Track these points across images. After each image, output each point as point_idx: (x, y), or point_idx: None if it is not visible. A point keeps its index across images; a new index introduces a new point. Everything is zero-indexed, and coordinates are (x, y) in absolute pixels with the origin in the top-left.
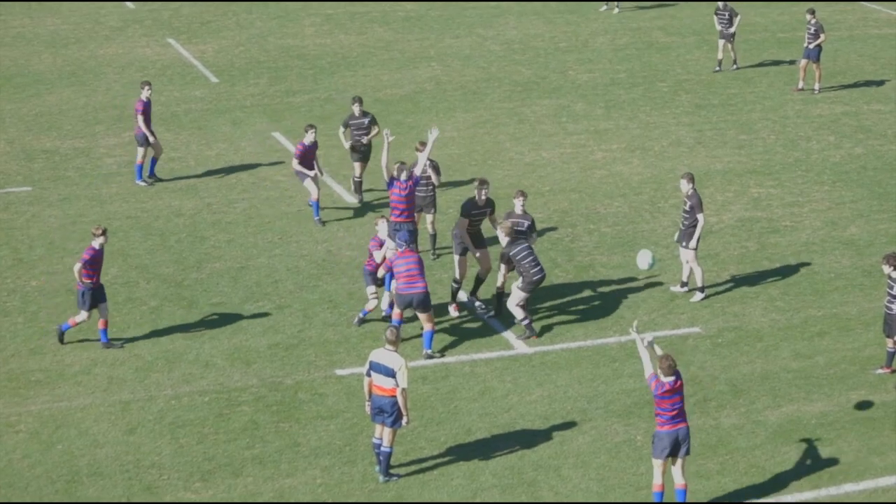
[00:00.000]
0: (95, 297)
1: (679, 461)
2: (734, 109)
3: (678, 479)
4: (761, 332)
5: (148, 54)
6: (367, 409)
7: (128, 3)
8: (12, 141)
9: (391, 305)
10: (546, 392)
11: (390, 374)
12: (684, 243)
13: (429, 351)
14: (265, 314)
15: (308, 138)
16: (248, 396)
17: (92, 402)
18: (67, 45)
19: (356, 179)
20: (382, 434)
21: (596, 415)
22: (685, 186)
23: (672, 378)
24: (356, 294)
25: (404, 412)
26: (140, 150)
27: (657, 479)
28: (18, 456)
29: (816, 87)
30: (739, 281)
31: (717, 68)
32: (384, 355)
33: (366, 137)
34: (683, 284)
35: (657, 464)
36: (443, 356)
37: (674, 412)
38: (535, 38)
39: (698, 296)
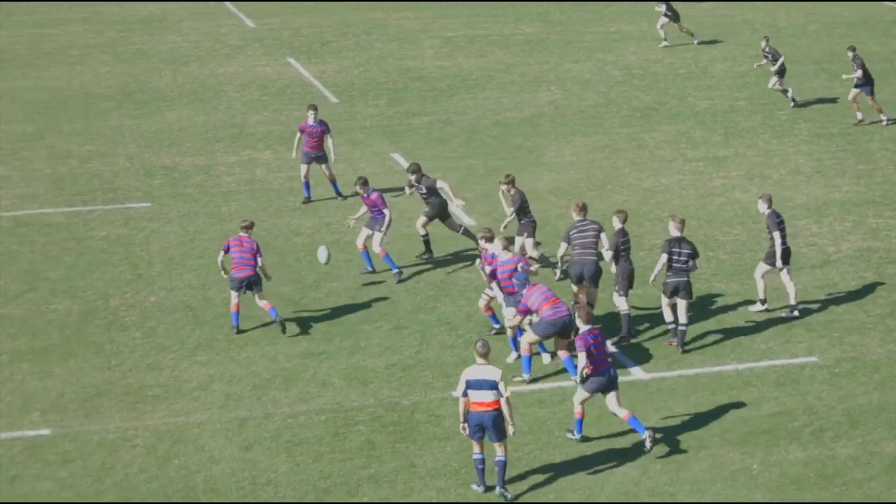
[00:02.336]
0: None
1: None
2: (853, 139)
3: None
4: (879, 363)
5: (268, 73)
6: (464, 429)
7: (248, 22)
8: (132, 157)
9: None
10: (662, 419)
11: (492, 386)
12: (776, 265)
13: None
14: (382, 335)
15: None
16: (365, 416)
17: (209, 418)
18: (188, 62)
19: None
20: (483, 449)
21: (712, 442)
22: (762, 207)
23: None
24: (473, 317)
25: (510, 421)
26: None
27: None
28: (135, 470)
29: (883, 118)
30: (857, 311)
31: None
32: (480, 370)
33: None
34: (792, 309)
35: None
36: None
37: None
38: (654, 63)
39: (758, 307)
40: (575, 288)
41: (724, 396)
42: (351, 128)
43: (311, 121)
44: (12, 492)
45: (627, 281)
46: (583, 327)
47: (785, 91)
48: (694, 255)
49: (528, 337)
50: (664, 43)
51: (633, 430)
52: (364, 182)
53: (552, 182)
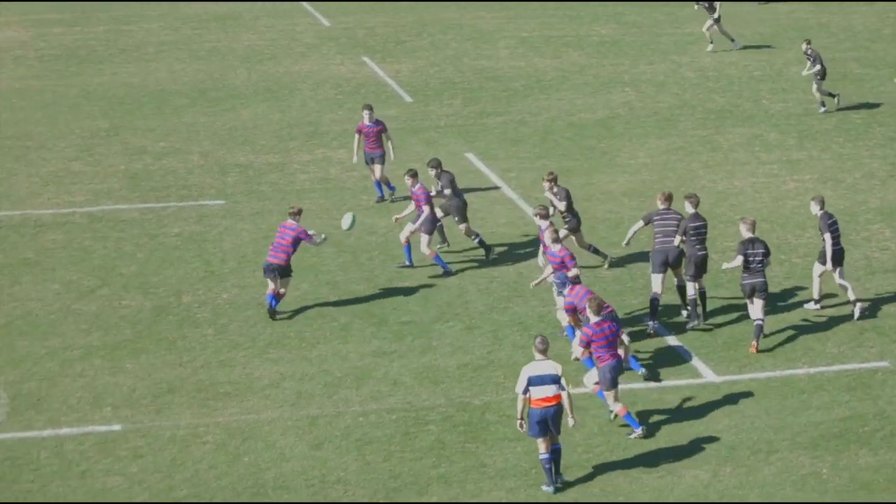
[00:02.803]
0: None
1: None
2: None
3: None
4: None
5: (342, 72)
6: (520, 426)
7: (323, 21)
8: (206, 154)
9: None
10: (733, 422)
11: (554, 381)
12: (827, 266)
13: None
14: (455, 334)
15: None
16: (436, 416)
17: (280, 415)
18: (263, 60)
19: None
20: (549, 448)
21: (782, 446)
22: (814, 208)
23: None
24: (546, 317)
25: (570, 413)
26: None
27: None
28: (205, 466)
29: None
30: None
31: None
32: (542, 366)
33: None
34: (855, 303)
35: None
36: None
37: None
38: (729, 65)
39: (812, 305)
40: (656, 276)
41: (795, 400)
42: (425, 127)
43: (366, 121)
44: (83, 486)
45: (696, 267)
46: (592, 318)
47: (831, 94)
48: (767, 253)
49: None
50: (710, 46)
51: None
52: (413, 174)
53: (625, 184)
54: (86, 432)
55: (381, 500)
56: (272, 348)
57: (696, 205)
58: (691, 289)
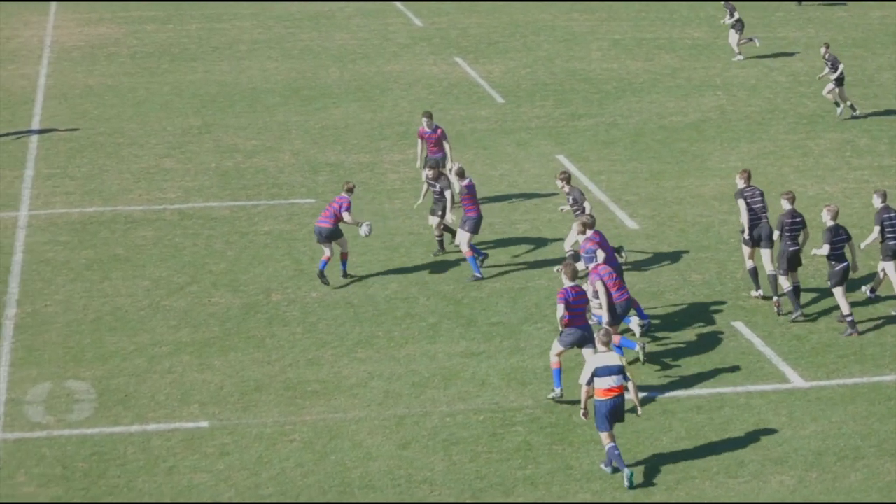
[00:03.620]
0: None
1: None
2: None
3: None
4: None
5: (435, 72)
6: (584, 415)
7: (416, 21)
8: (298, 153)
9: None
10: (820, 427)
11: (619, 371)
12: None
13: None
14: (543, 336)
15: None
16: (523, 417)
17: (367, 415)
18: (355, 60)
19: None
20: (614, 438)
21: (869, 453)
22: (876, 201)
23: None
24: (634, 320)
25: (637, 402)
26: None
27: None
28: (291, 465)
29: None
30: None
31: (839, 112)
32: (606, 357)
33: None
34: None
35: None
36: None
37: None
38: (820, 70)
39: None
40: (748, 251)
41: (882, 407)
42: (516, 128)
43: (425, 127)
44: (168, 482)
45: (788, 261)
46: (566, 283)
47: (850, 104)
48: (849, 237)
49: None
50: (739, 57)
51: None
52: (461, 172)
53: (716, 187)
54: (173, 429)
55: (467, 501)
56: (360, 347)
57: (791, 201)
58: (784, 281)
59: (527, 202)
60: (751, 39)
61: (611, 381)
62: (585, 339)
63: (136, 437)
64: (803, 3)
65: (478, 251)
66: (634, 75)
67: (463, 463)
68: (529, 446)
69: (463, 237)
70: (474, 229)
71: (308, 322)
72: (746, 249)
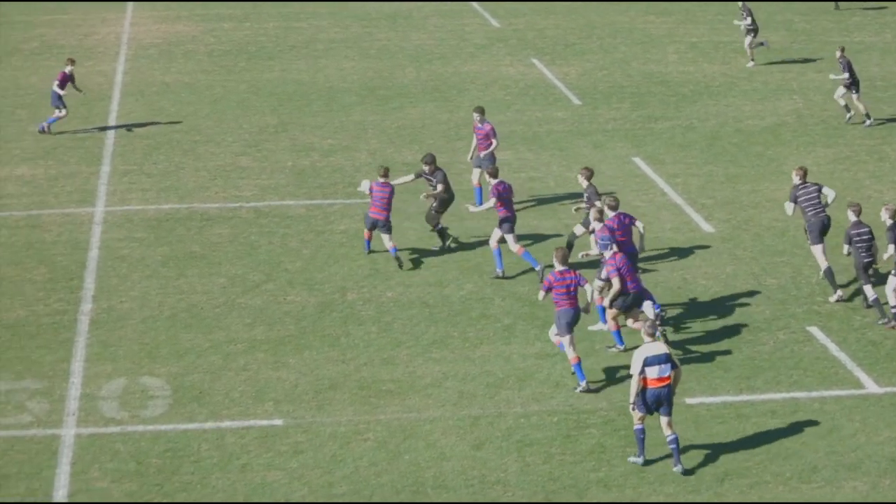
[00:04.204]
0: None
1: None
2: None
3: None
4: None
5: (511, 73)
6: (633, 407)
7: (493, 22)
8: (374, 152)
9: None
10: (894, 433)
11: (668, 360)
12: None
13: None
14: None
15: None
16: (597, 419)
17: (441, 415)
18: (432, 60)
19: None
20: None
21: None
22: (884, 215)
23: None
24: (710, 324)
25: (674, 391)
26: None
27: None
28: (365, 464)
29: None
30: None
31: (848, 117)
32: (653, 348)
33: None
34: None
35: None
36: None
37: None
38: (883, 80)
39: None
40: (816, 247)
41: None
42: (593, 130)
43: (477, 123)
44: (242, 480)
45: (863, 272)
46: (558, 266)
47: (847, 108)
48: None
49: (612, 312)
50: (751, 63)
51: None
52: (493, 173)
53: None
54: (247, 426)
55: (540, 502)
56: (435, 347)
57: (858, 213)
58: (869, 291)
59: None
60: (762, 43)
61: (661, 370)
62: (575, 320)
63: (210, 434)
64: (840, 7)
65: (527, 255)
66: (711, 78)
67: (536, 464)
68: (603, 448)
69: (495, 235)
70: (509, 230)
71: (383, 321)
72: (816, 248)
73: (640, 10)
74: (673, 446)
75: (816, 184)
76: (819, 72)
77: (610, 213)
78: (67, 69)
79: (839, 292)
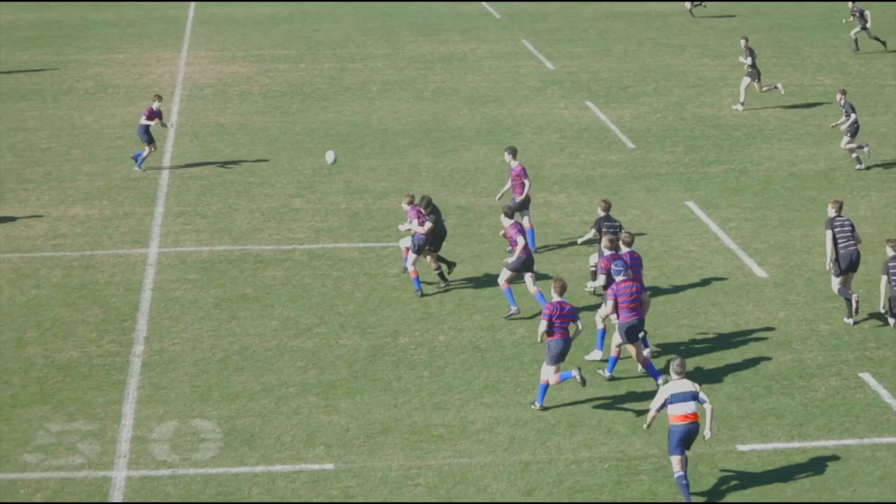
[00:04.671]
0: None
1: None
2: None
3: None
4: None
5: (565, 116)
6: (646, 427)
7: (547, 64)
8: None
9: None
10: None
11: (694, 397)
12: None
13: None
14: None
15: None
16: (648, 466)
17: (492, 460)
18: (486, 102)
19: None
20: (685, 467)
21: None
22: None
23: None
24: (762, 369)
25: (709, 425)
26: None
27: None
28: None
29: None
30: None
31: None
32: (680, 385)
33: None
34: None
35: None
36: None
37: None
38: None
39: None
40: (839, 279)
41: None
42: (646, 174)
43: (509, 163)
44: None
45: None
46: (555, 297)
47: (860, 148)
48: None
49: (616, 339)
50: (738, 107)
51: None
52: (508, 214)
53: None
54: (298, 470)
55: None
56: (487, 392)
57: (895, 248)
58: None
59: (656, 249)
60: (776, 87)
61: (686, 408)
62: (566, 351)
63: (260, 478)
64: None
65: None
66: (765, 122)
67: None
68: (654, 495)
69: (504, 274)
70: (515, 267)
71: (435, 366)
72: (836, 280)
73: (694, 54)
74: (683, 483)
75: (849, 218)
76: (873, 115)
77: (624, 249)
78: (155, 105)
79: (851, 320)
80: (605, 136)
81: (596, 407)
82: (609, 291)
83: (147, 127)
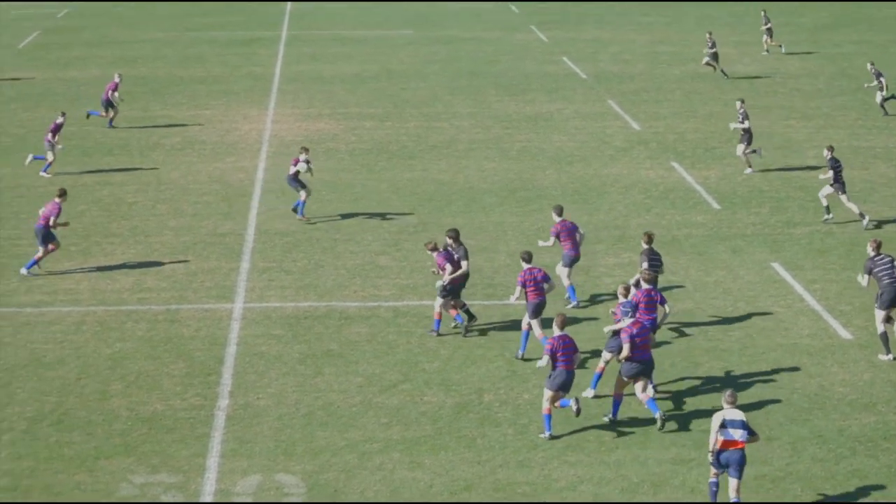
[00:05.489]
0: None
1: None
2: None
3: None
4: None
5: (651, 176)
6: (711, 458)
7: (633, 125)
8: (513, 254)
9: None
10: None
11: (743, 426)
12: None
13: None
14: (754, 447)
15: None
16: None
17: None
18: (572, 162)
19: None
20: (728, 484)
21: None
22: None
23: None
24: (846, 430)
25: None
26: None
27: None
28: None
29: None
30: None
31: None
32: (731, 413)
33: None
34: None
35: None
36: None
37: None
38: None
39: None
40: (883, 314)
41: None
42: (732, 235)
43: (562, 219)
44: None
45: None
46: (556, 331)
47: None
48: None
49: (620, 379)
50: (749, 171)
51: None
52: (525, 258)
53: None
54: None
55: None
56: (571, 451)
57: None
58: None
59: (741, 310)
60: (755, 151)
61: (735, 434)
62: (570, 382)
63: None
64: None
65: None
66: (850, 183)
67: None
68: None
69: (526, 319)
70: (534, 313)
71: (519, 423)
72: (880, 313)
73: (780, 115)
74: (713, 489)
75: (889, 255)
76: None
77: (644, 286)
78: (302, 157)
79: (890, 355)
80: (691, 197)
81: (676, 464)
82: (625, 333)
83: (296, 174)
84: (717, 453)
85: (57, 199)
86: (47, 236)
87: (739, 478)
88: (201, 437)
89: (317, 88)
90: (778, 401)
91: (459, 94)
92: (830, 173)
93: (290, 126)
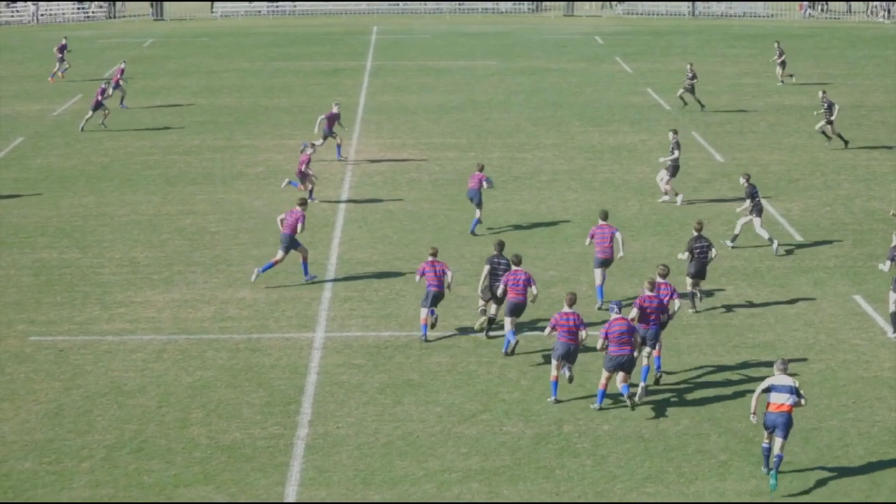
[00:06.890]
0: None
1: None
2: None
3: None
4: None
5: (734, 208)
6: (753, 419)
7: (717, 156)
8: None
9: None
10: None
11: (791, 391)
12: None
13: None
14: (834, 481)
15: None
16: None
17: None
18: (655, 194)
19: None
20: (773, 444)
21: None
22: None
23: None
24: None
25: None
26: None
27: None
28: None
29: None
30: None
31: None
32: (782, 378)
33: None
34: None
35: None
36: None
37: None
38: None
39: None
40: None
41: None
42: (814, 267)
43: (602, 223)
44: None
45: None
46: (565, 308)
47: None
48: None
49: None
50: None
51: None
52: (514, 260)
53: None
54: None
55: None
56: (650, 482)
57: None
58: None
59: (822, 342)
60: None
61: (781, 398)
62: (570, 353)
63: None
64: None
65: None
66: None
67: None
68: None
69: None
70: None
71: (598, 454)
72: None
73: (864, 147)
74: (776, 461)
75: None
76: None
77: (660, 280)
78: (479, 173)
79: None
80: (774, 229)
81: (755, 496)
82: (602, 329)
83: (479, 190)
84: (765, 415)
85: (298, 208)
86: (292, 244)
87: (785, 438)
88: (280, 466)
89: (401, 119)
90: (858, 433)
91: (543, 125)
92: (748, 202)
93: (374, 156)
